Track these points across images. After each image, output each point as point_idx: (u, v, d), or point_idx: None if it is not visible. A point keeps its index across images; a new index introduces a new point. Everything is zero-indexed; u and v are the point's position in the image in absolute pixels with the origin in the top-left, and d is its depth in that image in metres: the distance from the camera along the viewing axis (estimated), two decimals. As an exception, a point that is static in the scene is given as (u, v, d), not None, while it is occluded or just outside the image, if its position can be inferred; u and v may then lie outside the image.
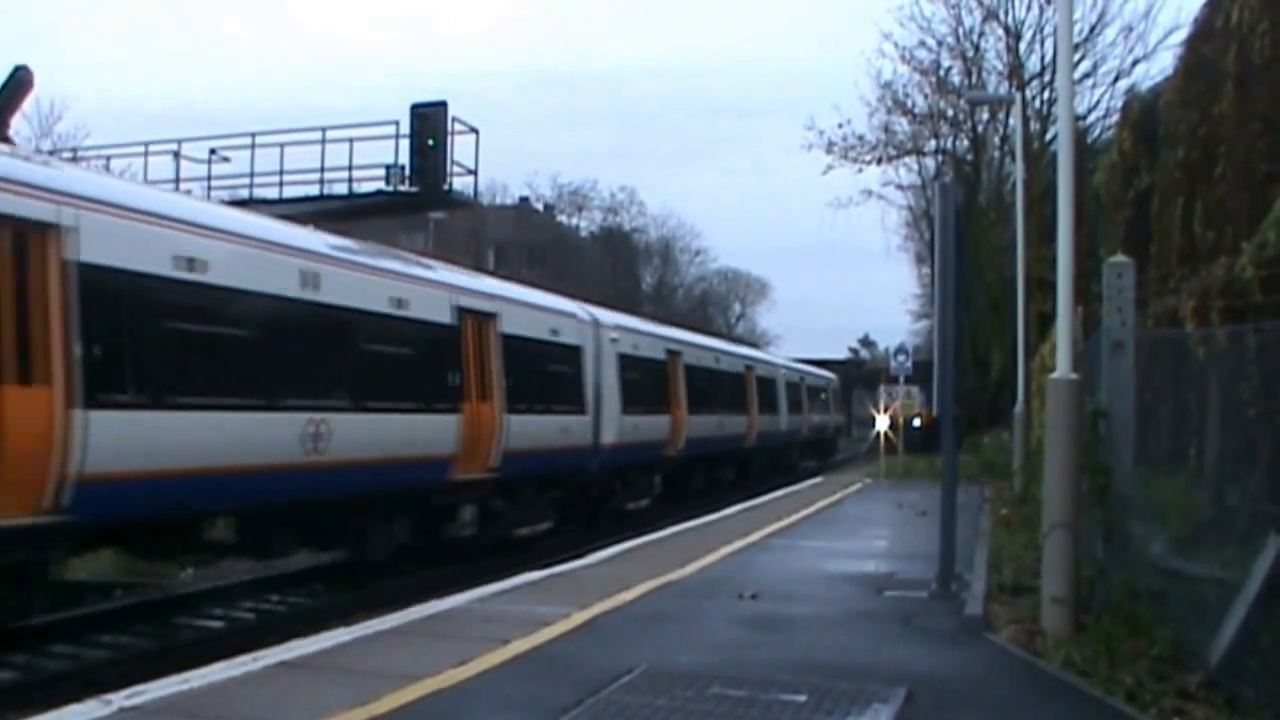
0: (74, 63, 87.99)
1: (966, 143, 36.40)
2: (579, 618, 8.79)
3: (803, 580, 11.12)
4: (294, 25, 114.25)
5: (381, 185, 21.11)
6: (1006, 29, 33.40)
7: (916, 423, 40.37)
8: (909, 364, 28.48)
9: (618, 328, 22.47)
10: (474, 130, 21.10)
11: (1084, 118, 30.02)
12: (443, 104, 20.36)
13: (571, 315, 20.29)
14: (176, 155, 22.93)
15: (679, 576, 11.03)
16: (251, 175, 22.71)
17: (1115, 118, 25.82)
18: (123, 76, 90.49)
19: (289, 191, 22.48)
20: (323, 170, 21.97)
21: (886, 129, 34.74)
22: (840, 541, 14.72)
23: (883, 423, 34.86)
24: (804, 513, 18.11)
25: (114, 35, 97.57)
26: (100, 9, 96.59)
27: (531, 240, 74.34)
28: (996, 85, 33.47)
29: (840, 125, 34.27)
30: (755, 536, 14.49)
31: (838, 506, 19.83)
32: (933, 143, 36.17)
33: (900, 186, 38.94)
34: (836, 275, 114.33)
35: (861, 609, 9.60)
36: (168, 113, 79.13)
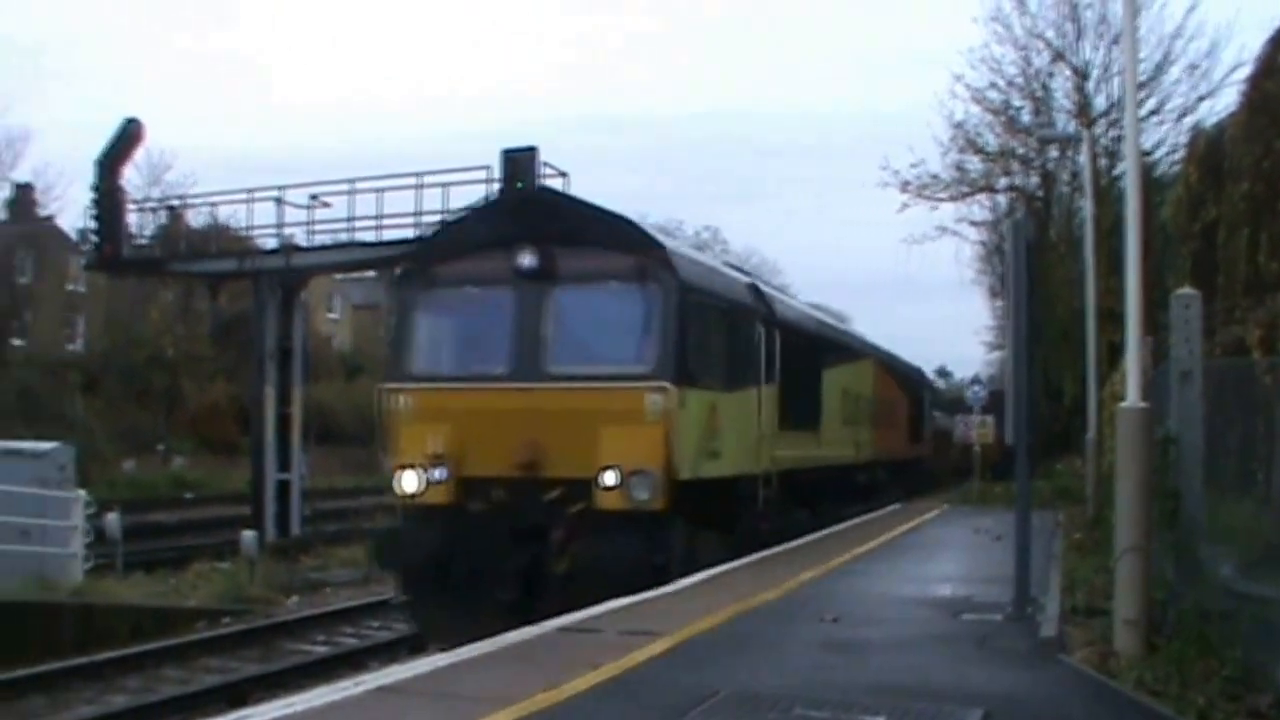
0: (180, 117, 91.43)
1: (1037, 179, 36.18)
2: (666, 641, 8.90)
3: (882, 603, 11.23)
4: (358, 80, 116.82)
5: (474, 228, 21.47)
6: (1074, 69, 33.31)
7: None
8: (983, 393, 28.50)
9: None
10: (563, 174, 21.34)
11: (1151, 153, 29.81)
12: (532, 149, 20.54)
13: None
14: (279, 201, 23.75)
15: (763, 601, 11.17)
16: (351, 219, 23.44)
17: (1181, 153, 25.64)
18: (215, 131, 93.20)
19: (386, 235, 23.13)
20: (418, 214, 22.47)
21: (959, 167, 34.69)
22: (918, 566, 14.76)
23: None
24: (883, 538, 18.17)
25: (202, 91, 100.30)
26: (192, 70, 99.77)
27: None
28: (1065, 124, 33.35)
29: (914, 165, 34.24)
30: (836, 561, 14.55)
31: (916, 532, 19.87)
32: (1004, 180, 36.01)
33: (974, 222, 38.75)
34: (913, 308, 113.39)
35: (939, 632, 9.69)
36: (255, 162, 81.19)
